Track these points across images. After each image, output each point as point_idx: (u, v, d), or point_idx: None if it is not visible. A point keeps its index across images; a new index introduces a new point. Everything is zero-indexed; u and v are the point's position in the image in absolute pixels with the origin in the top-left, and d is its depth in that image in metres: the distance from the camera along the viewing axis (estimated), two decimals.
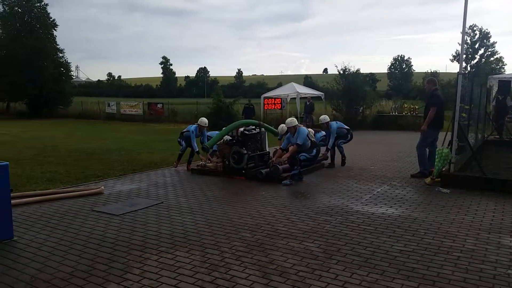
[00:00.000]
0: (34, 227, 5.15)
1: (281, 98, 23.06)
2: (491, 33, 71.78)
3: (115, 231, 4.99)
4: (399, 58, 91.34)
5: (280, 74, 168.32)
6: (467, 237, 4.72)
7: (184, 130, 9.64)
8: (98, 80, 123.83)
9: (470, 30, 69.94)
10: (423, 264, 3.97)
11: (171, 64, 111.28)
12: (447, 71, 66.88)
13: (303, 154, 7.92)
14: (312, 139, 8.35)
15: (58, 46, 36.39)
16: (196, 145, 9.28)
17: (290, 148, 7.99)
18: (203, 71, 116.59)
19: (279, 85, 49.02)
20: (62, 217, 5.60)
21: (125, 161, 10.33)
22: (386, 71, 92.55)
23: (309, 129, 8.64)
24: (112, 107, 31.45)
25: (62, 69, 36.77)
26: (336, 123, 9.79)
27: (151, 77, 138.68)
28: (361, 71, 23.32)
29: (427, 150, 8.24)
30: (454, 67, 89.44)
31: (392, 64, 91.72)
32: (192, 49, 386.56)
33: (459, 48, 63.17)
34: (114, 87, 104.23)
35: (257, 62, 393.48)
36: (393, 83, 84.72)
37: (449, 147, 7.50)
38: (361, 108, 21.62)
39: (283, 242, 4.58)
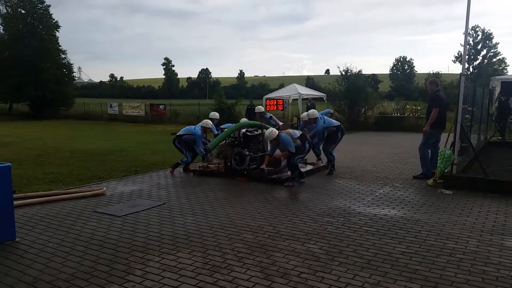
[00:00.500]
0: (36, 228, 5.16)
1: (283, 99, 23.06)
2: (494, 34, 71.75)
3: (117, 232, 5.00)
4: (401, 59, 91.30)
5: (282, 75, 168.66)
6: (469, 239, 4.70)
7: (182, 133, 8.95)
8: (100, 81, 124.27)
9: (472, 31, 69.72)
10: (426, 266, 3.96)
11: (173, 65, 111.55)
12: (449, 72, 66.98)
13: (298, 157, 7.72)
14: (297, 136, 7.78)
15: (60, 47, 36.43)
16: (201, 148, 8.78)
17: (282, 153, 7.88)
18: (205, 72, 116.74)
19: (281, 86, 48.99)
20: (64, 218, 5.61)
21: (127, 162, 10.34)
22: (388, 72, 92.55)
23: (288, 130, 8.07)
24: (114, 108, 31.46)
25: (64, 70, 36.81)
26: (324, 122, 8.88)
27: (153, 78, 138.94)
28: (363, 72, 23.32)
29: (430, 151, 8.22)
30: (457, 68, 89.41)
31: (394, 65, 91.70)
32: (194, 50, 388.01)
33: (461, 49, 63.14)
34: (116, 88, 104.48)
35: (259, 63, 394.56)
36: (395, 84, 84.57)
37: (452, 148, 7.49)
38: (363, 109, 21.59)
39: (285, 244, 4.57)
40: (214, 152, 9.24)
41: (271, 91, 39.09)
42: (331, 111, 9.23)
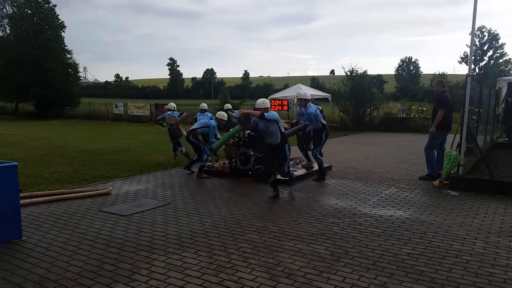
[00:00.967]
0: (42, 227, 5.19)
1: (287, 100, 23.05)
2: (500, 35, 71.20)
3: (123, 232, 5.01)
4: (406, 59, 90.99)
5: (287, 75, 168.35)
6: (476, 241, 4.67)
7: (196, 126, 8.78)
8: (106, 81, 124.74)
9: (478, 32, 69.17)
10: (432, 267, 3.93)
11: (178, 66, 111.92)
12: (455, 73, 66.48)
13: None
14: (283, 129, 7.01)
15: (66, 47, 36.60)
16: (207, 148, 8.55)
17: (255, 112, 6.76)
18: (210, 72, 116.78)
19: (286, 86, 49.02)
20: (70, 217, 5.63)
21: (133, 162, 10.37)
22: (394, 73, 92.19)
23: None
24: (119, 108, 31.57)
25: (70, 70, 36.94)
26: (317, 110, 8.30)
27: (158, 79, 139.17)
28: (368, 73, 23.20)
29: (435, 152, 8.18)
30: (463, 69, 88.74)
31: (399, 66, 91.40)
32: (199, 50, 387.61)
33: (467, 49, 62.84)
34: (121, 88, 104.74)
35: (264, 64, 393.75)
36: (401, 85, 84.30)
37: (458, 149, 7.44)
38: (369, 109, 21.52)
39: (290, 244, 4.56)
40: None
41: (276, 91, 39.12)
42: (320, 107, 9.16)
